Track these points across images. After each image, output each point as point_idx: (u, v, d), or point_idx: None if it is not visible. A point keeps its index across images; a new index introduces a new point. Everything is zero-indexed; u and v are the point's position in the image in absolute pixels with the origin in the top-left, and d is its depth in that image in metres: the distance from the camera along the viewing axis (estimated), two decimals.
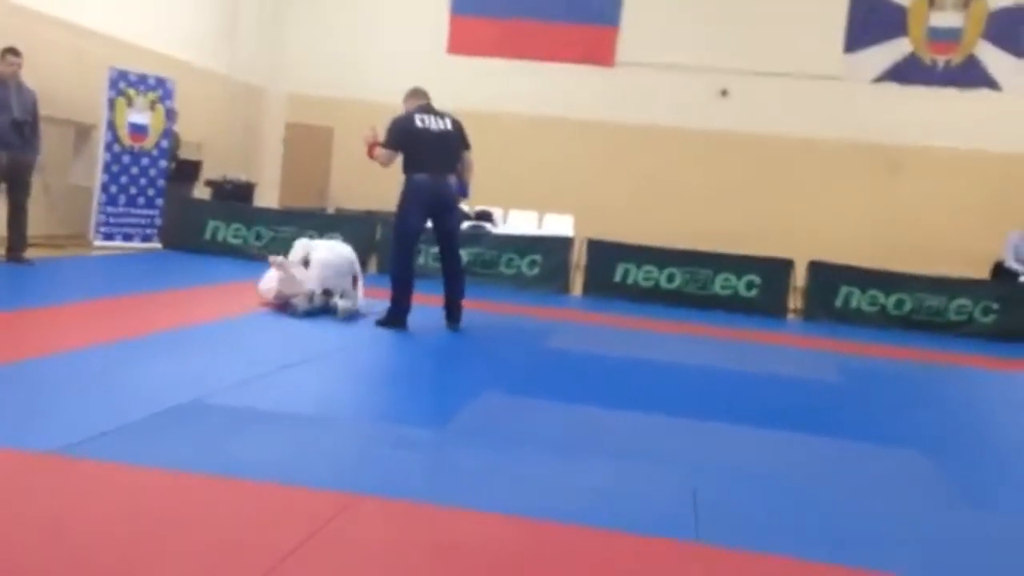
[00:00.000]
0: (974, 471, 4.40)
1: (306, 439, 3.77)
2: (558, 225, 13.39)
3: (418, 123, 6.79)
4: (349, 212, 12.83)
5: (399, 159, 6.83)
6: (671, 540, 2.99)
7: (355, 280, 7.33)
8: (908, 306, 10.05)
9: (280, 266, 6.93)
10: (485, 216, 13.54)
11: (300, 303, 6.93)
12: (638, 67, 14.56)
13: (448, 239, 7.04)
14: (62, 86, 10.25)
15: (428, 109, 6.93)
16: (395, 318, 6.81)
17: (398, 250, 6.90)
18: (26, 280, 7.74)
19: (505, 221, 13.68)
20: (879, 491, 3.86)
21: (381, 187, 13.94)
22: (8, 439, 3.26)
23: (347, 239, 10.95)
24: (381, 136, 6.88)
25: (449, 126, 6.88)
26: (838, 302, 10.20)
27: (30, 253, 8.39)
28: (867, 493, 3.79)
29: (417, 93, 7.06)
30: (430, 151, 6.73)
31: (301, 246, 7.40)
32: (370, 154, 6.89)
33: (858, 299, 10.18)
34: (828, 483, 3.88)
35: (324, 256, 7.11)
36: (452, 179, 6.91)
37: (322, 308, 6.97)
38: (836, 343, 8.62)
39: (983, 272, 11.14)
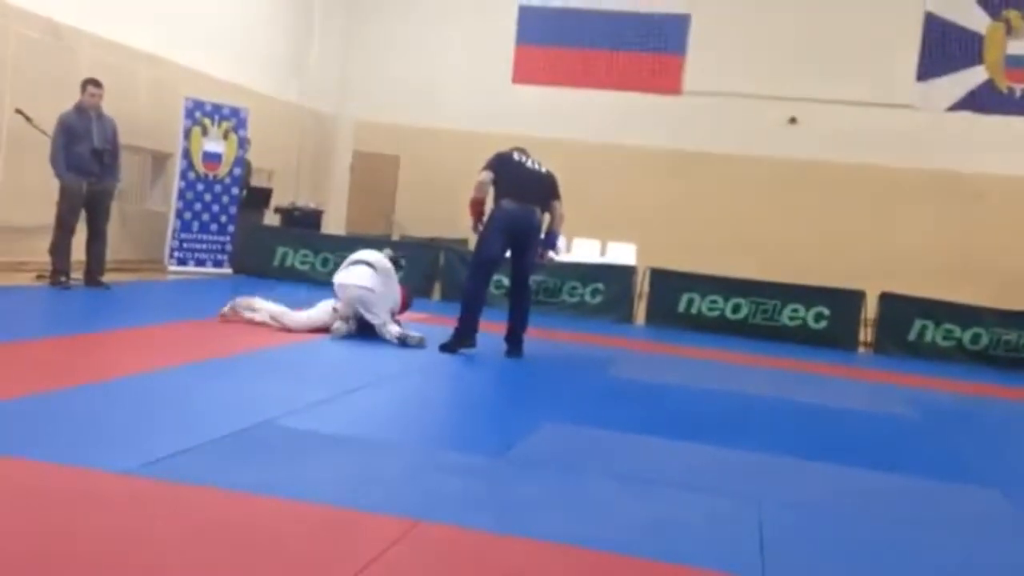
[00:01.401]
0: None
1: (370, 463, 3.79)
2: (621, 254, 13.34)
3: (515, 156, 7.13)
4: (414, 239, 12.97)
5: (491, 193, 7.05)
6: None
7: (369, 305, 7.07)
8: (985, 341, 9.72)
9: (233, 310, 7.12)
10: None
11: (338, 328, 6.98)
12: (705, 95, 14.49)
13: (522, 269, 7.12)
14: (140, 116, 10.62)
15: (524, 152, 7.26)
16: (462, 338, 6.86)
17: (475, 273, 7.08)
18: (103, 304, 7.98)
19: (568, 249, 13.68)
20: (957, 533, 3.71)
21: (445, 214, 14.16)
22: (82, 459, 3.35)
23: (411, 266, 11.05)
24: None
25: (543, 171, 7.18)
26: (911, 335, 9.92)
27: (107, 277, 8.65)
28: (945, 534, 3.65)
29: (515, 147, 7.42)
30: (520, 181, 6.98)
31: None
32: (474, 211, 7.04)
33: (932, 333, 9.88)
34: (903, 523, 3.74)
35: (339, 280, 7.17)
36: (539, 213, 7.06)
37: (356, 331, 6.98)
38: (909, 377, 8.37)
39: None
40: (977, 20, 13.93)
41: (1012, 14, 13.85)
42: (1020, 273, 12.99)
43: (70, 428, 3.79)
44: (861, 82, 14.03)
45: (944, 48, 13.99)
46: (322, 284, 10.94)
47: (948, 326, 9.85)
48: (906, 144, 13.94)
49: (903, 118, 13.96)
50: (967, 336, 9.78)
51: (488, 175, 6.98)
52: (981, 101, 13.90)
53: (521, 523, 3.18)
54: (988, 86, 13.91)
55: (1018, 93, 13.83)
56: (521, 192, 6.95)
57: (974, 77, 13.94)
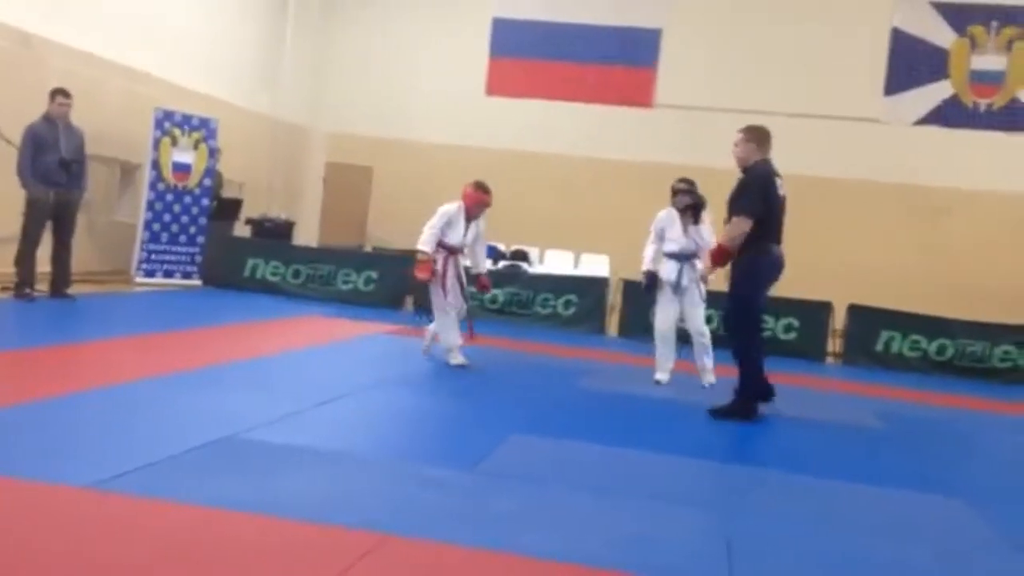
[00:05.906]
0: (1021, 521, 4.26)
1: (339, 477, 3.76)
2: (594, 265, 13.37)
3: (778, 187, 5.82)
4: (386, 251, 12.93)
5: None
6: None
7: None
8: (950, 352, 9.85)
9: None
10: (521, 256, 13.58)
11: None
12: (676, 109, 14.58)
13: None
14: (109, 126, 10.50)
15: (771, 166, 5.87)
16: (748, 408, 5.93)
17: (752, 328, 5.98)
18: (68, 316, 7.88)
19: (541, 261, 13.71)
20: (921, 541, 3.75)
21: (419, 226, 14.09)
22: (47, 473, 3.30)
23: (384, 278, 11.08)
24: None
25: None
26: (878, 346, 10.03)
27: (72, 289, 8.54)
28: (911, 544, 3.68)
29: (768, 136, 5.98)
30: (780, 219, 5.82)
31: None
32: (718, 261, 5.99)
33: (899, 344, 10.00)
34: (869, 534, 3.78)
35: None
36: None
37: None
38: (876, 388, 8.46)
39: None
40: (943, 36, 14.16)
41: (977, 30, 14.11)
42: (985, 285, 13.19)
43: (33, 442, 3.73)
44: (830, 96, 14.20)
45: (911, 63, 14.20)
46: (293, 296, 10.91)
47: (915, 337, 9.97)
48: (874, 158, 14.12)
49: (871, 132, 14.14)
50: (933, 347, 9.91)
51: (748, 224, 5.61)
52: (947, 116, 14.11)
53: (491, 536, 3.17)
54: (954, 101, 14.13)
55: (983, 108, 14.06)
56: (780, 232, 5.85)
57: (940, 92, 14.16)
